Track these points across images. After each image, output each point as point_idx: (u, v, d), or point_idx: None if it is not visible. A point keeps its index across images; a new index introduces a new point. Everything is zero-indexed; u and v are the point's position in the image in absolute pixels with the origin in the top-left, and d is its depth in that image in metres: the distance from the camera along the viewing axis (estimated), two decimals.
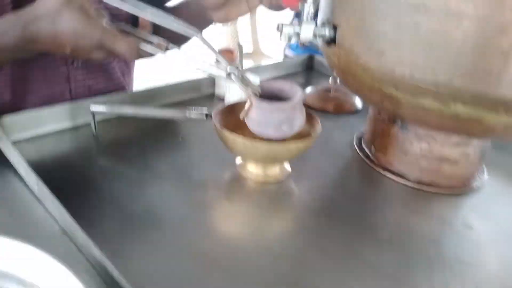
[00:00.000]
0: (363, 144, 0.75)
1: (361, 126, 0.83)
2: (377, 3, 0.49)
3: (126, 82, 0.89)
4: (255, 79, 0.86)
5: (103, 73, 0.82)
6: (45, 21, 0.51)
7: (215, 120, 0.61)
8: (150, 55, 0.56)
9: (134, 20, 0.81)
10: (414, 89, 0.49)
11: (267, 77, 1.05)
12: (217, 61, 0.57)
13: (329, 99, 0.90)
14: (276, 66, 1.08)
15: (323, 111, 0.88)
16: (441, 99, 0.48)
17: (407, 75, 0.49)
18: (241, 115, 0.59)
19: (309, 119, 0.66)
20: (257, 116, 0.57)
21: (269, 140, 0.58)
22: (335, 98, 0.90)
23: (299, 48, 1.43)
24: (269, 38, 2.78)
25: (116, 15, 0.63)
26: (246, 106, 0.60)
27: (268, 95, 0.61)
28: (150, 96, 0.81)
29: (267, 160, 0.60)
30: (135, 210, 0.54)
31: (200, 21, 0.60)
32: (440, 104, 0.49)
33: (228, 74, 0.57)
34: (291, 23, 0.56)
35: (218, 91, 0.90)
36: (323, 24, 0.58)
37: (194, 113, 0.63)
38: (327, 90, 0.92)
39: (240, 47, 0.79)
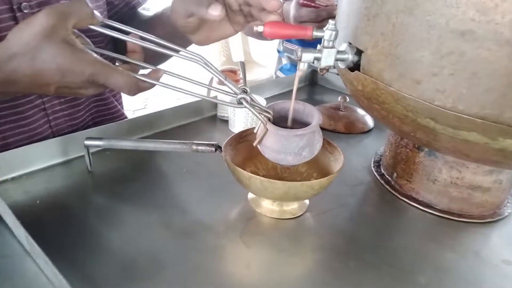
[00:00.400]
0: (382, 169, 0.70)
1: (376, 147, 0.78)
2: (413, 28, 0.44)
3: (116, 99, 0.81)
4: (260, 100, 0.80)
5: (82, 100, 0.72)
6: (23, 59, 0.43)
7: (226, 155, 0.55)
8: (150, 87, 0.50)
9: (115, 45, 0.74)
10: (455, 122, 0.44)
11: (270, 94, 0.99)
12: (220, 81, 0.52)
13: (339, 118, 0.84)
14: (278, 82, 1.02)
15: (333, 131, 0.83)
16: (488, 133, 0.43)
17: (448, 106, 0.43)
18: (255, 143, 0.53)
19: (328, 146, 0.60)
20: (274, 143, 0.52)
21: (290, 179, 0.52)
22: (345, 116, 0.85)
23: (292, 69, 1.37)
24: (260, 46, 2.72)
25: (96, 41, 0.56)
26: (259, 132, 0.54)
27: (281, 118, 0.56)
28: (149, 122, 0.75)
29: (286, 199, 0.54)
30: (136, 259, 0.47)
31: (178, 42, 0.51)
32: (486, 138, 0.43)
33: (239, 102, 0.51)
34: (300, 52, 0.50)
35: (220, 113, 0.83)
36: (345, 48, 0.53)
37: (202, 148, 0.57)
38: (336, 108, 0.87)
39: (242, 65, 0.73)
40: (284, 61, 1.40)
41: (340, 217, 0.59)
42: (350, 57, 0.52)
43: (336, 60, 0.52)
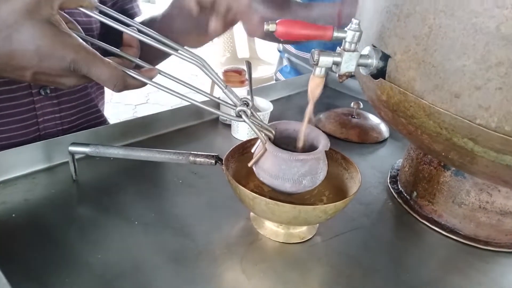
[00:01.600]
0: (400, 186, 0.63)
1: (392, 159, 0.71)
2: (455, 32, 0.37)
3: (100, 106, 0.74)
4: (266, 105, 0.73)
5: (77, 101, 0.67)
6: None
7: (228, 168, 0.48)
8: (140, 85, 0.43)
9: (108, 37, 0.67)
10: (500, 145, 0.37)
11: (277, 96, 0.93)
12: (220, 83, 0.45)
13: (352, 125, 0.77)
14: (286, 84, 0.95)
15: (345, 140, 0.76)
16: None
17: (492, 126, 0.36)
18: (251, 163, 0.47)
19: (343, 162, 0.53)
20: (272, 166, 0.45)
21: (298, 198, 0.46)
22: (358, 124, 0.78)
23: (292, 72, 1.27)
24: (265, 43, 2.65)
25: (85, 29, 0.49)
26: (256, 151, 0.47)
27: (283, 139, 0.49)
28: (144, 125, 0.68)
29: (295, 223, 0.47)
30: (119, 285, 0.41)
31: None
32: None
33: (238, 115, 0.45)
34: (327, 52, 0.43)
35: (223, 116, 0.77)
36: (368, 52, 0.46)
37: (200, 159, 0.50)
38: (349, 115, 0.80)
39: (248, 65, 0.66)
40: (285, 62, 1.30)
41: (353, 242, 0.52)
42: (375, 62, 0.45)
43: (358, 65, 0.45)
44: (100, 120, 0.72)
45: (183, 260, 0.45)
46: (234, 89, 0.74)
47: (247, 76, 0.74)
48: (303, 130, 0.48)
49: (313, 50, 0.43)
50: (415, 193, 0.59)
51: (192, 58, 0.43)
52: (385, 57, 0.44)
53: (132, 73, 0.42)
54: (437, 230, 0.55)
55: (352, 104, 0.79)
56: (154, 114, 0.69)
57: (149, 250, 0.46)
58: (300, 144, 0.50)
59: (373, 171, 0.68)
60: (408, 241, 0.54)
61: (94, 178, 0.57)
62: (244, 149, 0.54)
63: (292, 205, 0.42)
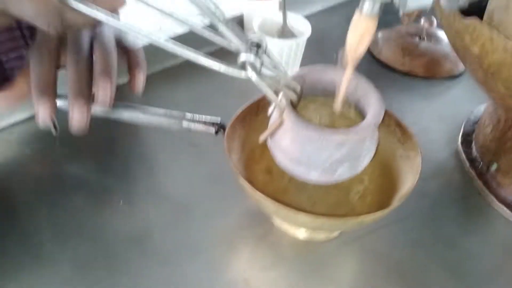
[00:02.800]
0: (474, 150, 0.47)
1: (469, 104, 0.53)
2: None
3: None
4: (302, 26, 0.55)
5: None
6: None
7: (230, 155, 0.34)
8: (90, 21, 0.29)
9: None
10: None
11: (319, 7, 0.72)
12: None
13: (419, 52, 0.58)
14: None
15: (408, 74, 0.58)
16: None
17: None
18: (262, 137, 0.33)
19: (397, 131, 0.38)
20: (293, 146, 0.31)
21: (330, 213, 0.33)
22: (427, 51, 0.58)
23: None
24: None
25: None
26: (272, 121, 0.33)
27: (315, 96, 0.34)
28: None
29: (324, 229, 0.35)
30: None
31: None
32: None
33: (242, 65, 0.29)
34: None
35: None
36: None
37: (197, 125, 0.37)
38: (416, 36, 0.60)
39: None
40: None
41: (400, 238, 0.39)
42: None
43: None
44: None
45: (172, 259, 0.36)
46: (261, 4, 0.57)
47: None
48: (342, 95, 0.32)
49: None
50: (495, 165, 0.43)
51: None
52: None
53: (76, 2, 0.28)
54: None
55: (422, 21, 0.59)
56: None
57: (130, 245, 0.37)
58: (337, 108, 0.34)
59: (441, 124, 0.51)
60: (477, 235, 0.40)
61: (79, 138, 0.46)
62: (259, 108, 0.39)
63: (319, 216, 0.30)
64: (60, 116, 0.43)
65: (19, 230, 0.37)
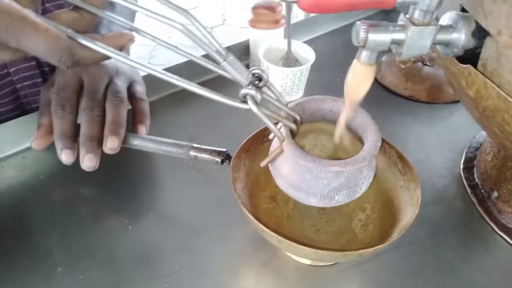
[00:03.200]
0: (476, 177, 0.48)
1: (471, 130, 0.54)
2: None
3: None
4: (307, 53, 0.57)
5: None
6: None
7: (235, 185, 0.36)
8: (102, 58, 0.31)
9: None
10: None
11: (321, 31, 0.73)
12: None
13: (421, 78, 0.59)
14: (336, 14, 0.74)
15: (410, 99, 0.59)
16: None
17: None
18: (263, 163, 0.34)
19: (399, 162, 0.39)
20: (292, 174, 0.33)
21: (332, 241, 0.34)
22: (430, 76, 0.59)
23: None
24: None
25: None
26: (272, 148, 0.35)
27: (314, 123, 0.36)
28: (152, 83, 0.56)
29: (323, 261, 0.36)
30: None
31: None
32: None
33: (243, 98, 0.30)
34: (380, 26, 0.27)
35: (253, 63, 0.62)
36: (453, 21, 0.28)
37: (204, 155, 0.39)
38: (419, 61, 0.61)
39: (288, 4, 0.49)
40: None
41: (402, 264, 0.40)
42: (463, 38, 0.28)
43: (436, 43, 0.28)
44: None
45: (180, 283, 0.37)
46: (266, 32, 0.58)
47: (284, 13, 0.57)
48: (341, 130, 0.34)
49: (358, 23, 0.27)
50: (495, 193, 0.44)
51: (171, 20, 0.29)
52: (480, 33, 0.27)
53: (86, 41, 0.29)
54: None
55: None
56: (164, 69, 0.56)
57: (140, 263, 0.38)
58: (336, 139, 0.36)
59: (443, 150, 0.52)
60: (478, 263, 0.41)
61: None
62: (264, 136, 0.41)
63: (313, 249, 0.31)
64: None
65: (32, 253, 0.39)
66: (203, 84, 0.60)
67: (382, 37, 0.27)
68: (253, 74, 0.31)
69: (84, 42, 0.29)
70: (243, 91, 0.30)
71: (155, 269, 0.38)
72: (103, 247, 0.39)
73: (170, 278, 0.37)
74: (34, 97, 0.53)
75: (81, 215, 0.42)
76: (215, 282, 0.37)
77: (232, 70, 0.30)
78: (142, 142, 0.40)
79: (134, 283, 0.37)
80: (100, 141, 0.38)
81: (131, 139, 0.40)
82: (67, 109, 0.39)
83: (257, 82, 0.31)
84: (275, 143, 0.35)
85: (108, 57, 0.30)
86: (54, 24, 0.29)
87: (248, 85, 0.30)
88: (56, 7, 0.49)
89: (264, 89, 0.32)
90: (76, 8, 0.32)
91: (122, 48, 0.32)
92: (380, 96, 0.60)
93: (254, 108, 0.30)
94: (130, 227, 0.41)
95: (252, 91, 0.29)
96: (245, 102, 0.30)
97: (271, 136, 0.35)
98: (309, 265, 0.39)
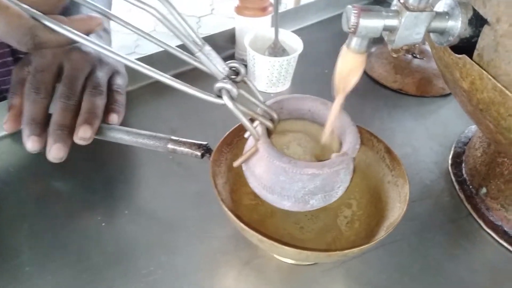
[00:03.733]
0: (464, 172, 0.47)
1: (460, 124, 0.53)
2: None
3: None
4: (294, 42, 0.55)
5: None
6: None
7: (215, 180, 0.34)
8: (67, 42, 0.28)
9: None
10: None
11: (310, 20, 0.71)
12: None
13: (410, 70, 0.58)
14: (325, 2, 0.73)
15: (399, 92, 0.57)
16: None
17: None
18: (236, 163, 0.33)
19: (387, 157, 0.38)
20: (266, 175, 0.31)
21: (317, 239, 0.32)
22: (419, 69, 0.58)
23: None
24: None
25: None
26: (247, 147, 0.33)
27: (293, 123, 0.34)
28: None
29: (307, 261, 0.35)
30: None
31: None
32: None
33: (218, 93, 0.29)
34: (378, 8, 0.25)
35: (239, 53, 0.59)
36: (448, 9, 0.26)
37: (182, 149, 0.37)
38: (409, 52, 0.59)
39: None
40: None
41: (387, 261, 0.39)
42: (459, 27, 0.26)
43: (430, 31, 0.27)
44: None
45: (157, 282, 0.35)
46: (253, 19, 0.56)
47: (272, 0, 0.55)
48: (328, 128, 0.32)
49: (348, 6, 0.25)
50: (484, 189, 0.43)
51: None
52: (478, 21, 0.25)
53: (50, 22, 0.27)
54: (505, 245, 0.41)
55: None
56: (145, 56, 0.54)
57: (115, 261, 0.36)
58: (325, 137, 0.34)
59: (431, 144, 0.51)
60: (465, 260, 0.40)
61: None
62: (245, 130, 0.39)
63: (296, 250, 0.29)
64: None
65: None
66: (185, 73, 0.58)
67: (374, 22, 0.25)
68: (230, 68, 0.29)
69: (48, 23, 0.27)
70: (218, 84, 0.28)
71: (130, 268, 0.36)
72: (74, 245, 0.37)
73: (146, 278, 0.35)
74: (4, 78, 0.50)
75: (52, 210, 0.40)
76: (193, 282, 0.36)
77: (208, 61, 0.28)
78: (117, 133, 0.38)
79: (107, 283, 0.35)
80: (71, 131, 0.36)
81: (105, 131, 0.38)
82: (41, 93, 0.36)
83: (234, 76, 0.30)
84: (250, 142, 0.33)
85: (74, 41, 0.28)
86: (16, 2, 0.27)
87: (224, 78, 0.28)
88: None
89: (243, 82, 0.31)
90: None
91: (90, 32, 0.29)
92: (369, 88, 0.58)
93: (229, 104, 0.28)
94: (103, 224, 0.39)
95: (228, 85, 0.28)
96: (220, 96, 0.28)
97: (246, 135, 0.33)
98: (293, 264, 0.38)
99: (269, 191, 0.31)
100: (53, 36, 0.28)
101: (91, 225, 0.39)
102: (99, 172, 0.44)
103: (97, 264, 0.36)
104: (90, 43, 0.27)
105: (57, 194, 0.42)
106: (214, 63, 0.28)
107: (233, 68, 0.29)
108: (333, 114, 0.30)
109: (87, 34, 0.29)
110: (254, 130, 0.30)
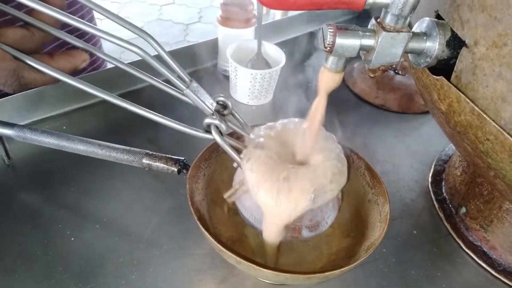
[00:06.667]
0: (444, 191, 0.46)
1: (441, 142, 0.53)
2: None
3: None
4: (277, 54, 0.54)
5: None
6: None
7: (192, 199, 0.32)
8: (52, 81, 0.27)
9: None
10: None
11: (295, 34, 0.71)
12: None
13: (392, 87, 0.58)
14: (309, 16, 0.72)
15: (381, 108, 0.57)
16: None
17: None
18: (226, 195, 0.33)
19: (367, 174, 0.37)
20: (257, 209, 0.31)
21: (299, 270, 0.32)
22: (401, 85, 0.58)
23: None
24: None
25: None
26: (236, 177, 0.33)
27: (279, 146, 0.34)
28: (108, 79, 0.52)
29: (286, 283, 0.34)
30: None
31: None
32: None
33: (207, 129, 0.30)
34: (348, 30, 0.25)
35: (222, 64, 0.58)
36: (426, 29, 0.26)
37: (158, 164, 0.35)
38: (389, 70, 0.60)
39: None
40: None
41: (367, 281, 0.38)
42: (436, 48, 0.26)
43: (408, 52, 0.26)
44: None
45: None
46: (236, 31, 0.55)
47: (255, 12, 0.54)
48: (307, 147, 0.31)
49: (324, 25, 0.25)
50: (463, 209, 0.43)
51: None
52: (456, 43, 0.25)
53: (34, 63, 0.26)
54: (484, 266, 0.40)
55: None
56: (132, 62, 0.53)
57: (83, 277, 0.34)
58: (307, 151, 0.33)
59: (412, 161, 0.50)
60: (444, 281, 0.39)
61: (32, 162, 0.43)
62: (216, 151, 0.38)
63: (275, 272, 0.28)
64: (13, 145, 0.40)
65: None
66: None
67: (350, 42, 0.24)
68: (217, 102, 0.30)
69: (32, 63, 0.26)
70: (207, 120, 0.29)
71: (99, 285, 0.34)
72: (40, 260, 0.35)
73: None
74: None
75: (17, 222, 0.38)
76: None
77: (195, 98, 0.29)
78: (89, 147, 0.36)
79: None
80: None
81: (76, 143, 0.36)
82: None
83: (221, 109, 0.30)
84: (239, 172, 0.33)
85: (59, 80, 0.27)
86: None
87: (213, 114, 0.29)
88: (6, 23, 0.44)
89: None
90: (26, 24, 0.28)
91: (75, 69, 0.29)
92: (351, 103, 0.58)
93: (218, 139, 0.29)
94: (72, 239, 0.37)
95: (216, 121, 0.29)
96: (209, 131, 0.29)
97: (235, 165, 0.32)
98: (270, 283, 0.36)
99: (259, 222, 0.32)
100: (38, 76, 0.27)
101: (58, 239, 0.37)
102: (69, 184, 0.42)
103: (63, 281, 0.34)
104: (76, 83, 0.26)
105: (24, 205, 0.40)
106: (202, 99, 0.29)
107: (221, 102, 0.30)
108: (317, 115, 0.30)
109: (73, 71, 0.29)
110: (243, 163, 0.30)
